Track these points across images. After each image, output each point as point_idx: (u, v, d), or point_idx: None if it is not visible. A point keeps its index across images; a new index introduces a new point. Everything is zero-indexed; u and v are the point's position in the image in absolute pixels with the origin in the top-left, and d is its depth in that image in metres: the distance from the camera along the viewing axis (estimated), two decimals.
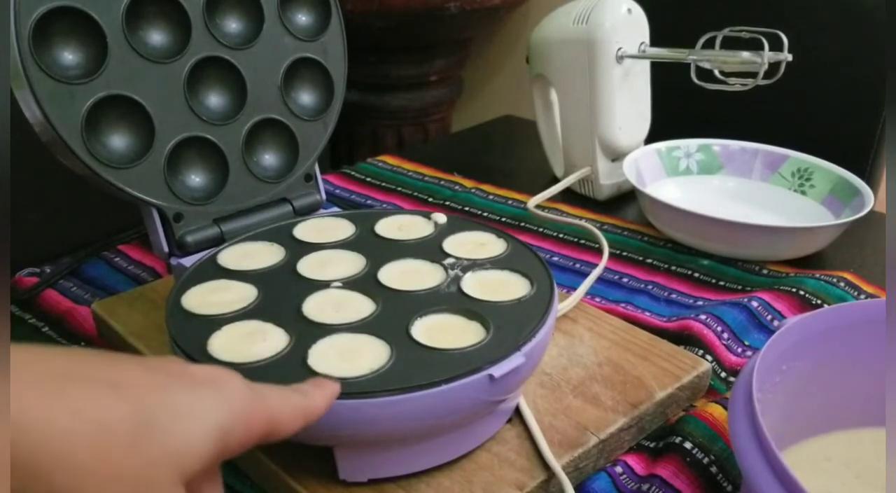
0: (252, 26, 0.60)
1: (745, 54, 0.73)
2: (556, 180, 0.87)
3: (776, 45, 0.73)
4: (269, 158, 0.62)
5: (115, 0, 0.53)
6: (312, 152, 0.64)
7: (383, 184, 0.90)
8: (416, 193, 0.87)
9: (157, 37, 0.56)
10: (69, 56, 0.52)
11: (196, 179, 0.59)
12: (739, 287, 0.68)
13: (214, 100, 0.59)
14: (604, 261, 0.68)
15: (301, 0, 0.63)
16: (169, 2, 0.56)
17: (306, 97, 0.64)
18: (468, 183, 0.88)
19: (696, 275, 0.70)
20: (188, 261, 0.55)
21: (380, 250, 0.54)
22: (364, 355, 0.43)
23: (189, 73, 0.57)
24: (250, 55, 0.60)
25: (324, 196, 0.65)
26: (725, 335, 0.60)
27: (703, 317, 0.61)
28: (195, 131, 0.58)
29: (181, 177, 0.58)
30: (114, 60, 0.53)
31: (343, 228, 0.58)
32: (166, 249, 0.57)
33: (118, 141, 0.55)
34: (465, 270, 0.52)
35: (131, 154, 0.55)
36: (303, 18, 0.63)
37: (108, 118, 0.54)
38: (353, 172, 0.93)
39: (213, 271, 0.53)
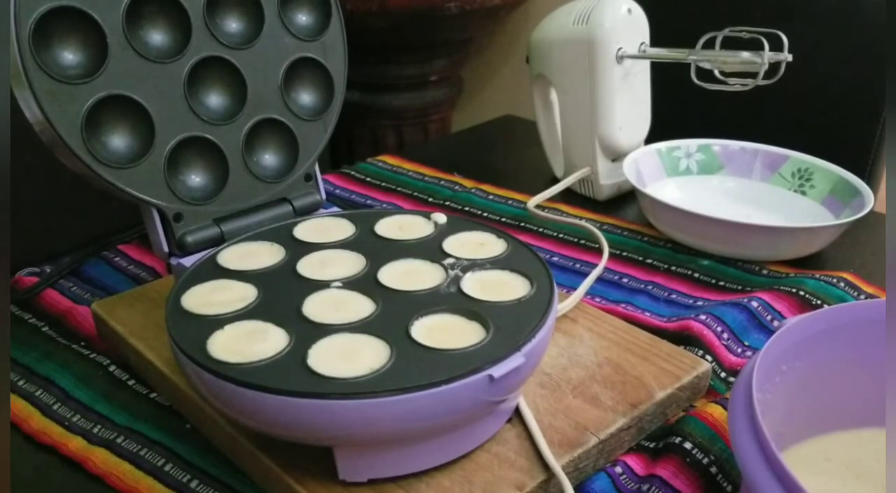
0: (252, 26, 0.60)
1: (745, 54, 0.73)
2: (556, 180, 0.87)
3: (776, 46, 0.73)
4: (269, 158, 0.62)
5: (116, 0, 0.53)
6: (312, 152, 0.64)
7: (383, 184, 0.90)
8: (416, 193, 0.87)
9: (157, 37, 0.56)
10: (69, 56, 0.52)
11: (196, 179, 0.59)
12: (739, 287, 0.68)
13: (215, 100, 0.59)
14: (604, 261, 0.68)
15: (301, 0, 0.63)
16: (169, 1, 0.56)
17: (306, 97, 0.64)
18: (468, 183, 0.88)
19: (696, 275, 0.70)
20: (188, 261, 0.55)
21: (380, 250, 0.54)
22: (364, 355, 0.43)
23: (189, 73, 0.57)
24: (251, 55, 0.60)
25: (324, 196, 0.65)
26: (725, 336, 0.60)
27: (703, 317, 0.61)
28: (195, 131, 0.57)
29: (181, 177, 0.58)
30: (114, 60, 0.53)
31: (343, 228, 0.58)
32: (166, 249, 0.57)
33: (118, 141, 0.54)
34: (465, 270, 0.52)
35: (131, 154, 0.55)
36: (303, 18, 0.63)
37: (109, 118, 0.54)
38: (353, 172, 0.93)
39: (213, 271, 0.53)
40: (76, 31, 0.52)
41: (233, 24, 0.60)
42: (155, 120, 0.55)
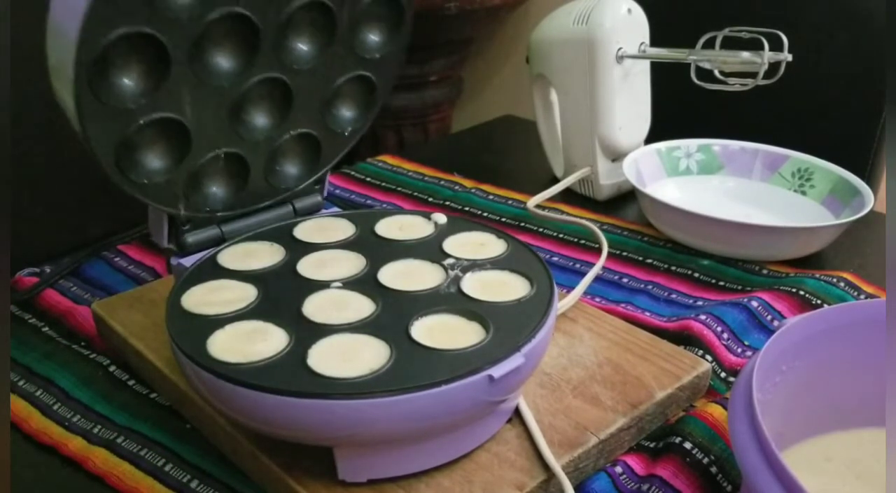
0: (320, 47, 0.56)
1: (745, 54, 0.73)
2: (556, 180, 0.87)
3: (776, 46, 0.73)
4: (290, 169, 0.61)
5: (188, 24, 0.49)
6: (331, 161, 0.62)
7: (383, 184, 0.90)
8: (416, 193, 0.87)
9: (221, 60, 0.52)
10: (124, 79, 0.48)
11: (215, 189, 0.57)
12: (739, 287, 0.68)
13: (256, 116, 0.56)
14: (602, 258, 0.68)
15: (375, 20, 0.59)
16: (244, 24, 0.51)
17: (346, 112, 0.62)
18: (468, 183, 0.88)
19: (696, 275, 0.70)
20: (188, 261, 0.55)
21: (380, 250, 0.54)
22: (364, 356, 0.43)
23: (241, 94, 0.54)
24: (306, 74, 0.56)
25: (324, 196, 0.65)
26: (725, 335, 0.60)
27: (703, 317, 0.61)
28: (229, 148, 0.55)
29: (202, 189, 0.56)
30: (170, 83, 0.49)
31: (343, 228, 0.58)
32: (167, 244, 0.57)
33: (149, 158, 0.52)
34: (465, 270, 0.52)
35: (160, 171, 0.52)
36: (371, 37, 0.59)
37: (145, 137, 0.51)
38: (353, 172, 0.93)
39: (213, 270, 0.53)
40: (135, 53, 0.48)
41: (301, 46, 0.56)
42: (193, 139, 0.52)
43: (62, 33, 0.44)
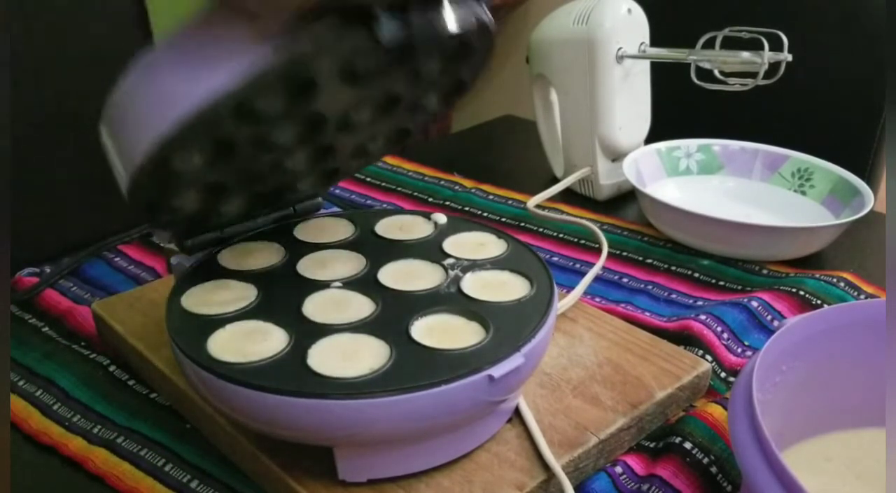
0: (377, 119, 0.53)
1: (745, 54, 0.73)
2: (556, 180, 0.87)
3: (776, 46, 0.73)
4: (306, 190, 0.60)
5: (264, 125, 0.47)
6: (343, 178, 0.61)
7: (383, 184, 0.90)
8: (416, 193, 0.87)
9: (281, 140, 0.49)
10: (186, 170, 0.45)
11: (230, 210, 0.56)
12: (739, 287, 0.68)
13: (293, 165, 0.54)
14: (602, 258, 0.68)
15: (435, 93, 0.55)
16: (312, 118, 0.49)
17: (374, 147, 0.59)
18: (468, 183, 0.88)
19: (696, 275, 0.70)
20: (188, 261, 0.55)
21: (380, 250, 0.54)
22: (364, 355, 0.43)
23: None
24: (356, 133, 0.54)
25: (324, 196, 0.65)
26: (725, 335, 0.60)
27: (703, 317, 0.61)
28: (259, 189, 0.54)
29: (219, 215, 0.55)
30: (228, 162, 0.47)
31: (343, 228, 0.58)
32: (168, 243, 0.56)
33: (181, 205, 0.50)
34: (465, 270, 0.52)
35: (188, 213, 0.51)
36: (433, 100, 0.55)
37: (185, 194, 0.49)
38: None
39: (213, 270, 0.53)
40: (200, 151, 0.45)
41: (360, 121, 0.53)
42: (230, 191, 0.51)
43: (138, 123, 0.41)
